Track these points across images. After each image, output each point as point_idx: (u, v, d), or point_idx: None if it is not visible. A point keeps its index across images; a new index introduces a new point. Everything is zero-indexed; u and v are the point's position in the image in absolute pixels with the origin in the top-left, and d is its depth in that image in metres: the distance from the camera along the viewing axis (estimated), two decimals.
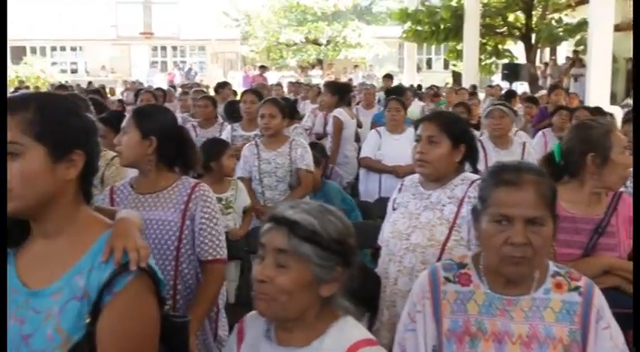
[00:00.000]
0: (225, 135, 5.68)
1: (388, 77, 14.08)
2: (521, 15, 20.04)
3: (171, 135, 2.68)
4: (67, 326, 1.42)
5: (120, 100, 12.78)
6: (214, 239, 2.63)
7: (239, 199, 4.23)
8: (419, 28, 20.08)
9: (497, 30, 20.51)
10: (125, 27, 31.75)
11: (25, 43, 30.48)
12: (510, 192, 1.72)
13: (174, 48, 33.44)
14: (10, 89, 13.82)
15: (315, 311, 1.60)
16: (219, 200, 4.13)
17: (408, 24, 20.38)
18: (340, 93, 6.89)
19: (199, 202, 2.61)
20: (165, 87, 14.88)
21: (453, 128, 2.67)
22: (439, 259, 2.48)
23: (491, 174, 1.82)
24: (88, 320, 1.41)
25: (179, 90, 14.33)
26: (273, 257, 1.55)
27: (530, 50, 19.68)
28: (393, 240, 2.68)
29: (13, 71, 24.74)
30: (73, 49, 32.66)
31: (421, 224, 2.63)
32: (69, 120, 1.50)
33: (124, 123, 2.68)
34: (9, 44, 29.43)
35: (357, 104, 9.44)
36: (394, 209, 2.81)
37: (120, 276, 1.43)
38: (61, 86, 8.30)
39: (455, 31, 19.30)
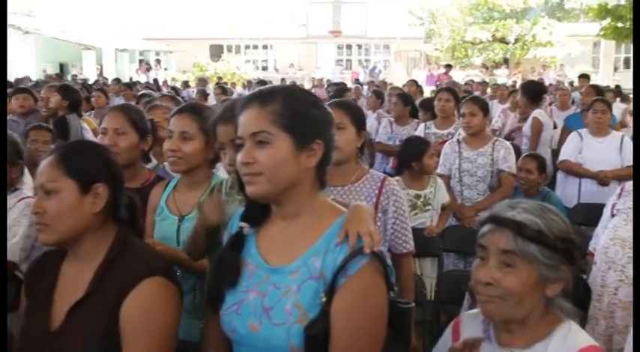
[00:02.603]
0: (419, 132, 5.71)
1: (584, 77, 13.26)
2: None
3: None
4: (305, 303, 1.51)
5: None
6: (406, 232, 2.72)
7: (437, 196, 4.23)
8: (620, 24, 18.67)
9: None
10: (315, 26, 32.95)
11: (222, 41, 32.76)
12: None
13: (360, 46, 34.12)
14: (210, 86, 14.82)
15: (540, 313, 1.58)
16: (418, 196, 4.18)
17: (607, 20, 19.03)
18: (532, 93, 6.62)
19: (391, 196, 2.68)
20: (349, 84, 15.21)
21: None
22: None
23: None
24: (324, 300, 1.50)
25: (365, 87, 14.64)
26: (497, 258, 1.55)
27: None
28: (613, 247, 2.55)
29: (212, 68, 26.74)
30: (265, 47, 34.50)
31: None
32: (311, 112, 1.58)
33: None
34: (209, 43, 31.96)
35: (550, 105, 9.04)
36: (613, 215, 2.67)
37: (354, 260, 1.50)
38: (261, 82, 8.75)
39: None
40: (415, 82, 11.22)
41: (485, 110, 4.60)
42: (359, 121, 2.72)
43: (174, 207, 2.50)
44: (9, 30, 20.59)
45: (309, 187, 1.60)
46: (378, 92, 8.91)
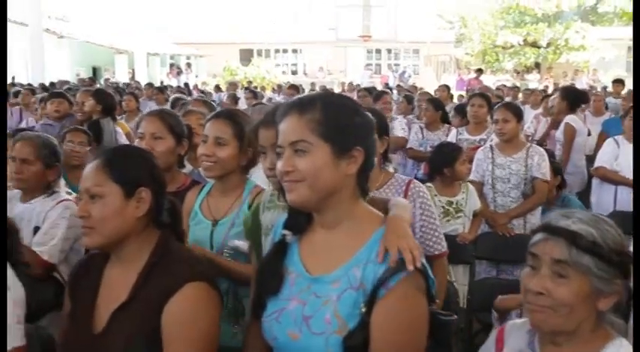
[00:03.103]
0: (451, 138, 5.69)
1: (618, 82, 13.04)
2: None
3: None
4: (344, 313, 1.51)
5: None
6: (436, 233, 2.70)
7: (469, 202, 4.20)
8: None
9: None
10: (344, 30, 32.95)
11: (252, 46, 32.93)
12: None
13: (389, 50, 34.06)
14: (239, 91, 14.86)
15: (590, 326, 1.54)
16: (450, 203, 4.15)
17: None
18: (572, 99, 6.53)
19: (417, 199, 2.67)
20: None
21: None
22: None
23: None
24: (363, 310, 1.50)
25: (394, 92, 14.58)
26: (549, 268, 1.52)
27: None
28: None
29: (242, 72, 26.92)
30: (294, 51, 34.62)
31: None
32: (352, 120, 1.57)
33: None
34: (239, 47, 32.17)
35: (584, 111, 8.91)
36: None
37: (395, 273, 1.49)
38: (293, 86, 8.78)
39: None
40: (447, 87, 11.15)
41: (519, 116, 4.57)
42: (381, 127, 2.70)
43: (207, 212, 2.52)
44: (44, 34, 21.03)
45: (350, 194, 1.59)
46: (410, 97, 8.87)
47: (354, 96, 11.14)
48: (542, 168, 4.39)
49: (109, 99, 5.85)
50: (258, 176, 2.69)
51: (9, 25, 22.28)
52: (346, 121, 1.56)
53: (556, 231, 1.53)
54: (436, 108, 6.62)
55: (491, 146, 4.67)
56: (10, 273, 1.80)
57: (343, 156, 1.54)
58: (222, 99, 13.56)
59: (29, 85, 12.65)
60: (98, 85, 12.72)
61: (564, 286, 1.50)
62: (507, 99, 12.47)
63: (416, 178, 3.62)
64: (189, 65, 30.40)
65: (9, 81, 16.72)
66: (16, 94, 10.14)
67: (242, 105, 10.52)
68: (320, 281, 1.57)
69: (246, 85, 18.45)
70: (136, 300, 1.71)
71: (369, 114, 1.64)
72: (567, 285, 1.50)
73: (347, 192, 1.58)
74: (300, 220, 1.66)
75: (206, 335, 1.71)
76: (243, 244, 2.37)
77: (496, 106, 4.81)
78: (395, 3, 32.51)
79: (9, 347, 1.71)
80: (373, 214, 1.64)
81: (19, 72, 21.25)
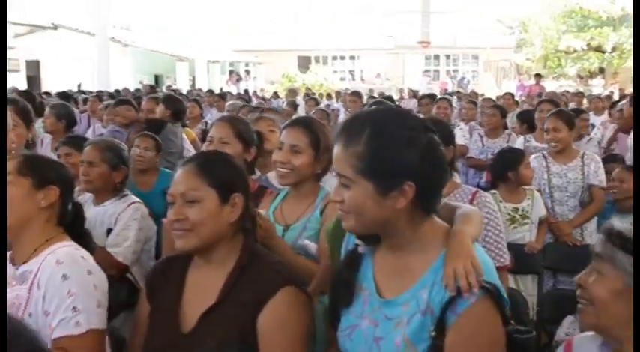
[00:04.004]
0: (517, 146, 5.58)
1: None
2: None
3: None
4: (413, 336, 1.48)
5: (397, 107, 13.18)
6: (499, 245, 2.66)
7: (535, 209, 4.11)
8: None
9: None
10: (403, 36, 32.83)
11: (310, 53, 33.18)
12: None
13: (448, 56, 33.76)
14: (298, 98, 14.96)
15: None
16: (516, 210, 4.06)
17: None
18: None
19: (483, 209, 2.62)
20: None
21: None
22: None
23: None
24: (433, 334, 1.46)
25: (454, 98, 14.41)
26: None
27: None
28: None
29: (300, 79, 27.12)
30: (352, 57, 34.68)
31: None
32: (401, 153, 1.46)
33: None
34: (297, 54, 32.44)
35: None
36: None
37: (461, 298, 1.44)
38: (355, 93, 8.78)
39: None
40: (512, 95, 11.04)
41: (571, 124, 4.43)
42: (447, 137, 2.65)
43: (280, 217, 2.53)
44: (110, 43, 21.71)
45: (406, 222, 1.51)
46: (476, 103, 8.76)
47: (415, 103, 11.08)
48: (599, 176, 4.30)
49: (178, 105, 5.84)
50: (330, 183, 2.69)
51: (78, 34, 23.19)
52: (394, 157, 1.46)
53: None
54: (502, 114, 6.58)
55: (543, 153, 4.55)
56: (91, 260, 1.88)
57: (389, 193, 1.46)
58: (280, 105, 13.66)
59: (99, 92, 13.06)
60: (160, 93, 13.03)
61: None
62: (572, 105, 12.16)
63: (478, 187, 3.57)
64: (248, 72, 30.82)
65: (75, 89, 17.35)
66: (85, 101, 10.52)
67: (301, 111, 10.59)
68: (390, 303, 1.55)
69: (305, 92, 18.56)
70: (226, 303, 1.74)
71: (431, 132, 1.52)
72: None
73: (402, 220, 1.51)
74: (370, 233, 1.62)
75: (301, 338, 1.74)
76: (312, 245, 2.38)
77: (547, 115, 4.67)
78: (454, 9, 32.20)
79: (86, 328, 1.78)
80: (439, 233, 1.56)
81: (85, 79, 22.02)
